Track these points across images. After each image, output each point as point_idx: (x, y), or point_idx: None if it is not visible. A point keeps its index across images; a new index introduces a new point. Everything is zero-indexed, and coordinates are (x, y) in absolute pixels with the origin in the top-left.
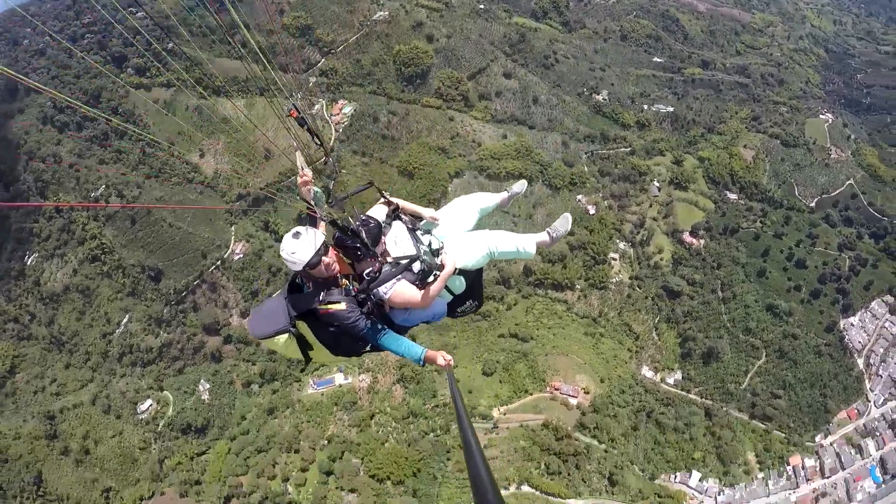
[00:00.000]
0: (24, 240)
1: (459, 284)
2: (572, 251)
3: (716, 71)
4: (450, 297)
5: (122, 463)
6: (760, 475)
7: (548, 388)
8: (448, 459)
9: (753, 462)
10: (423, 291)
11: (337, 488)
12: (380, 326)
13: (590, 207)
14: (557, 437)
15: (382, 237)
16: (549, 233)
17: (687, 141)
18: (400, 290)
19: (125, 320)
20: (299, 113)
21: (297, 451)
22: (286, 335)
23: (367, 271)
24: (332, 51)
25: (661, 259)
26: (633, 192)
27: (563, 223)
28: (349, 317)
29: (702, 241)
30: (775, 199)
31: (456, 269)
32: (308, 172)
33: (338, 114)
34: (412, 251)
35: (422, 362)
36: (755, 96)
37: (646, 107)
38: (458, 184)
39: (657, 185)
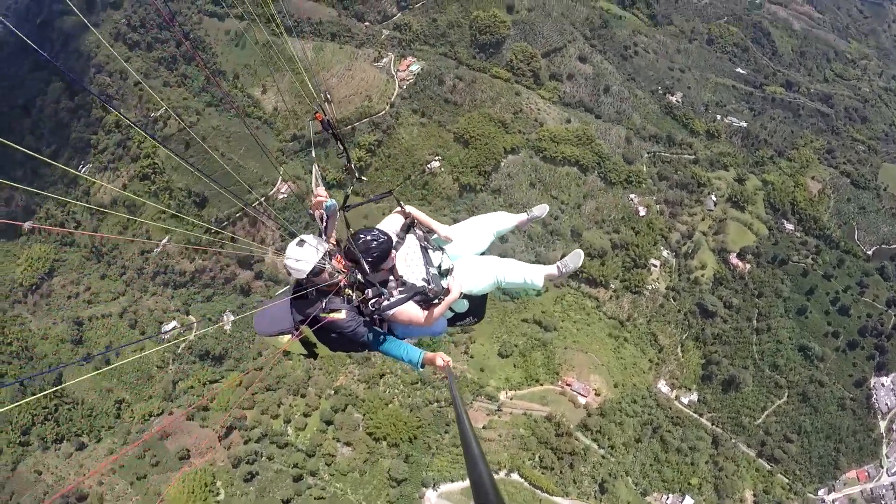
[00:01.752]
0: (82, 149)
1: (462, 305)
2: (614, 249)
3: (799, 94)
4: (451, 314)
5: (139, 378)
6: None
7: (559, 382)
8: (446, 432)
9: (750, 501)
10: (426, 312)
11: (334, 438)
12: (379, 334)
13: (641, 209)
14: (558, 432)
15: (393, 252)
16: (558, 267)
17: (754, 160)
18: (403, 309)
19: (164, 241)
20: (325, 116)
21: (303, 396)
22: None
23: (371, 295)
24: (410, 6)
25: (703, 275)
26: (688, 202)
27: (575, 259)
28: (349, 325)
29: (748, 266)
30: (832, 238)
31: (462, 294)
32: (322, 193)
33: (404, 70)
34: (421, 273)
35: (421, 365)
36: (834, 128)
37: (719, 117)
38: (513, 160)
39: (714, 199)
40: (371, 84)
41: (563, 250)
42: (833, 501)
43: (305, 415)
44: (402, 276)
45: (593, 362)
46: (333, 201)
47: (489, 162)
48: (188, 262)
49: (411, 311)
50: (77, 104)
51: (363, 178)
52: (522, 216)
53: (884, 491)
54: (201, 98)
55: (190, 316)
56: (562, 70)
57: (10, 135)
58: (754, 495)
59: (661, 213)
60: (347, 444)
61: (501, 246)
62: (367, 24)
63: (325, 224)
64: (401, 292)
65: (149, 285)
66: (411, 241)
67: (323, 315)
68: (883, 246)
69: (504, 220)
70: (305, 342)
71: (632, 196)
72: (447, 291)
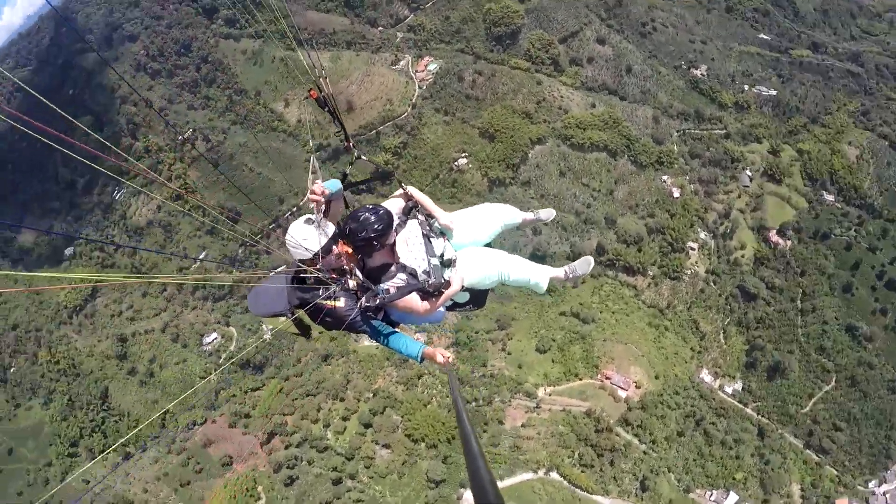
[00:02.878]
0: (113, 177)
1: (463, 297)
2: (649, 234)
3: (826, 55)
4: (450, 302)
5: (182, 389)
6: None
7: (599, 376)
8: (484, 432)
9: (797, 496)
10: (424, 303)
11: (372, 441)
12: (377, 324)
13: (674, 190)
14: (598, 428)
15: (393, 233)
16: (566, 271)
17: (787, 130)
18: (401, 299)
19: (202, 256)
20: (321, 92)
21: (342, 400)
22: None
23: (368, 288)
24: (421, 6)
25: (743, 256)
26: (723, 179)
27: (584, 266)
28: (347, 314)
29: (789, 243)
30: (875, 207)
31: (463, 287)
32: (318, 189)
33: (422, 70)
34: (422, 261)
35: (419, 359)
36: (867, 88)
37: (746, 87)
38: (540, 151)
39: (749, 174)
40: (391, 87)
41: (598, 239)
42: (884, 493)
43: (344, 418)
44: (403, 262)
45: (633, 353)
46: (336, 183)
47: (516, 154)
48: (225, 275)
49: (411, 300)
50: (106, 135)
51: (363, 156)
52: (528, 215)
53: None
54: (226, 117)
55: (230, 327)
56: (581, 54)
57: (42, 170)
58: (801, 489)
59: (696, 193)
60: (386, 446)
61: (515, 238)
62: (380, 28)
63: (327, 211)
64: (401, 280)
65: (189, 300)
66: (413, 226)
67: (321, 302)
68: None
69: (512, 214)
70: (299, 323)
71: (664, 177)
72: (447, 284)
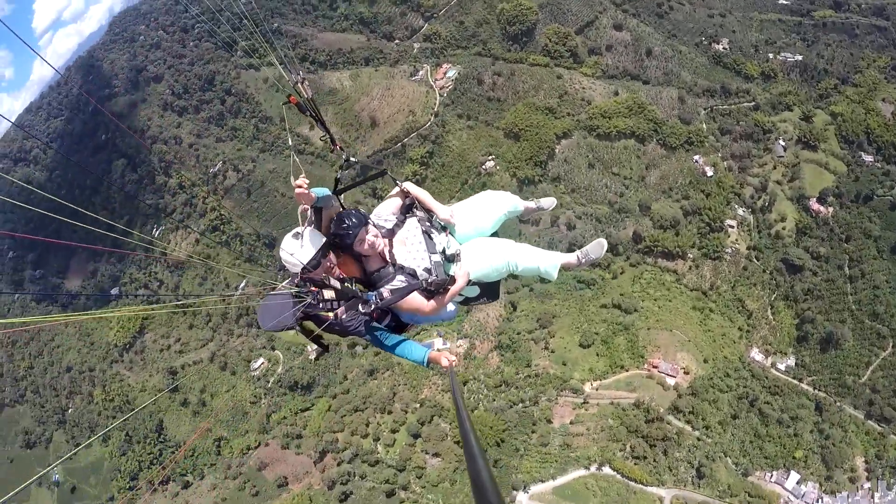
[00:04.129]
0: (153, 215)
1: (473, 291)
2: (686, 217)
3: (850, 13)
4: (461, 297)
5: (234, 415)
6: (867, 485)
7: (645, 365)
8: (533, 432)
9: (862, 469)
10: (430, 302)
11: (422, 451)
12: (381, 331)
13: (707, 169)
14: (648, 418)
15: (366, 233)
16: (578, 256)
17: (818, 94)
18: (405, 300)
19: (242, 285)
20: (300, 98)
21: (389, 413)
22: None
23: (354, 296)
24: (435, 14)
25: (784, 228)
26: (756, 152)
27: (597, 249)
28: (350, 323)
29: (830, 210)
30: None
31: (470, 281)
32: (303, 182)
33: (441, 78)
34: (423, 260)
35: (425, 364)
36: (895, 41)
37: (771, 56)
38: (567, 145)
39: (783, 144)
40: (412, 98)
41: (634, 227)
42: None
43: (393, 431)
44: (400, 263)
45: (679, 340)
46: (325, 190)
47: (543, 151)
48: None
49: (414, 301)
50: (140, 175)
51: (353, 158)
52: (530, 203)
53: None
54: (254, 146)
55: (276, 351)
56: (599, 43)
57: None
58: (866, 461)
59: (730, 169)
60: (436, 454)
61: (550, 235)
62: (396, 41)
63: (316, 218)
64: (400, 281)
65: (234, 328)
66: (412, 224)
67: (322, 313)
68: None
69: (513, 201)
70: (314, 337)
71: (696, 157)
72: (452, 280)
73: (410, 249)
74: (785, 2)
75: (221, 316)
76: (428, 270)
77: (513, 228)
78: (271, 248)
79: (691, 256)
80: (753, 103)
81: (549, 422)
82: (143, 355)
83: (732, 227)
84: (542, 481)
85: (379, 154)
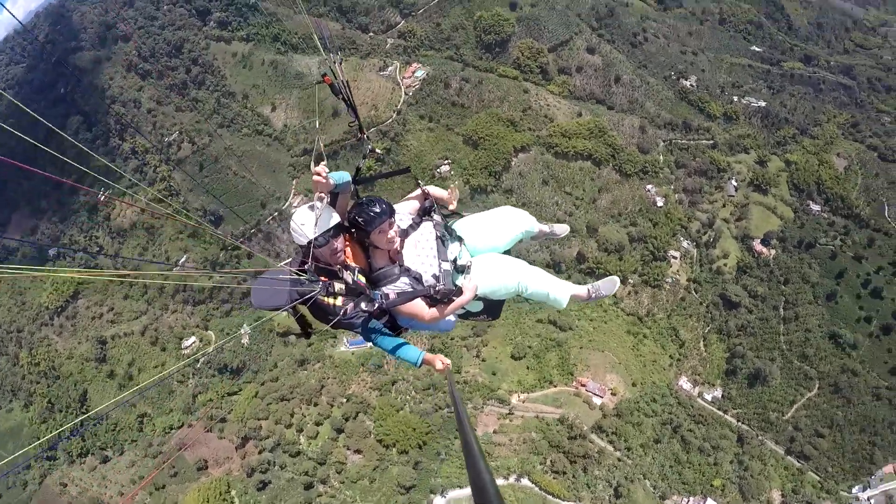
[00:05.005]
0: (102, 177)
1: (476, 306)
2: (631, 243)
3: (818, 68)
4: (463, 311)
5: (160, 392)
6: None
7: (574, 383)
8: (455, 438)
9: (778, 501)
10: (432, 311)
11: (344, 446)
12: (377, 328)
13: (658, 199)
14: (571, 435)
15: (387, 226)
16: (589, 290)
17: (776, 141)
18: (406, 304)
19: (183, 259)
20: (335, 79)
21: (315, 405)
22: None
23: (362, 292)
24: (413, 13)
25: (725, 265)
26: (708, 189)
27: (609, 286)
28: (347, 316)
29: (773, 252)
30: (862, 217)
31: (476, 296)
32: (322, 169)
33: (410, 76)
34: (432, 267)
35: (419, 365)
36: (858, 101)
37: (736, 98)
38: (523, 159)
39: (735, 184)
40: (377, 93)
41: (579, 247)
42: (869, 499)
43: (317, 423)
44: (407, 265)
45: (610, 361)
46: (346, 174)
47: (499, 162)
48: (206, 279)
49: (416, 307)
50: (95, 135)
51: (377, 150)
52: (545, 227)
53: None
54: (213, 120)
55: (209, 331)
56: (570, 63)
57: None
58: (783, 495)
59: (680, 202)
60: (357, 451)
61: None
62: (371, 34)
63: (331, 201)
64: (405, 283)
65: (169, 303)
66: (426, 228)
67: (320, 298)
68: None
69: (529, 222)
70: (301, 321)
71: (648, 187)
72: (459, 291)
73: (420, 253)
74: (757, 49)
75: (158, 290)
76: (436, 277)
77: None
78: (217, 225)
79: (632, 282)
80: (712, 142)
81: (473, 429)
82: (74, 321)
83: (676, 258)
84: (461, 487)
85: (336, 144)
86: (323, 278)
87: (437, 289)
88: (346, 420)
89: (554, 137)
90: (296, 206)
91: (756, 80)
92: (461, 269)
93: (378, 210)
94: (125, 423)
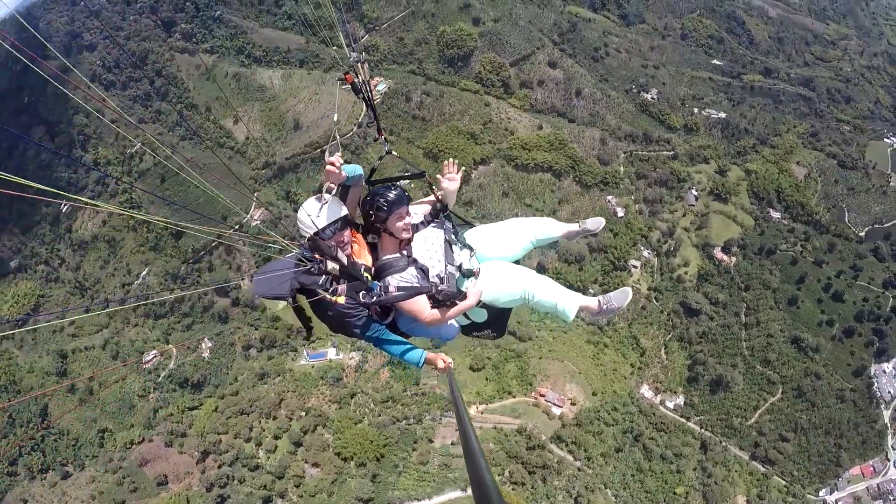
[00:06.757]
0: (62, 189)
1: (480, 315)
2: (591, 253)
3: (778, 80)
4: (466, 322)
5: (121, 407)
6: None
7: (533, 394)
8: (413, 450)
9: None
10: (433, 312)
11: (302, 460)
12: (378, 327)
13: (619, 210)
14: (529, 445)
15: (403, 215)
16: (599, 301)
17: (736, 151)
18: (408, 301)
19: (144, 273)
20: (357, 78)
21: (274, 418)
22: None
23: (357, 277)
24: (377, 27)
25: (686, 273)
26: (669, 199)
27: (621, 298)
28: (348, 312)
29: (733, 259)
30: (822, 223)
31: (480, 302)
32: (336, 160)
33: (371, 90)
34: (438, 266)
35: (421, 365)
36: (817, 111)
37: (696, 110)
38: (484, 171)
39: (695, 193)
40: (339, 107)
41: (539, 258)
42: (836, 501)
43: (276, 437)
44: (414, 257)
45: (570, 371)
46: (358, 168)
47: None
48: (167, 293)
49: (418, 304)
50: (57, 145)
51: (394, 151)
52: (573, 226)
53: (892, 486)
54: (175, 132)
55: (169, 345)
56: (532, 77)
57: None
58: (748, 501)
59: (640, 212)
60: (315, 464)
61: None
62: (335, 48)
63: (342, 195)
64: (411, 275)
65: (131, 317)
66: (436, 230)
67: (321, 292)
68: (876, 226)
69: (549, 227)
70: (301, 315)
71: (609, 197)
72: (463, 296)
73: (429, 248)
74: (718, 63)
75: (118, 303)
76: (440, 278)
77: None
78: (178, 238)
79: (592, 292)
80: (672, 152)
81: (431, 441)
82: (34, 334)
83: (636, 267)
84: (418, 500)
85: (297, 157)
86: (318, 256)
87: (440, 289)
88: (305, 433)
89: (514, 150)
90: (257, 219)
91: (717, 92)
92: (467, 274)
93: (398, 193)
94: (86, 437)
